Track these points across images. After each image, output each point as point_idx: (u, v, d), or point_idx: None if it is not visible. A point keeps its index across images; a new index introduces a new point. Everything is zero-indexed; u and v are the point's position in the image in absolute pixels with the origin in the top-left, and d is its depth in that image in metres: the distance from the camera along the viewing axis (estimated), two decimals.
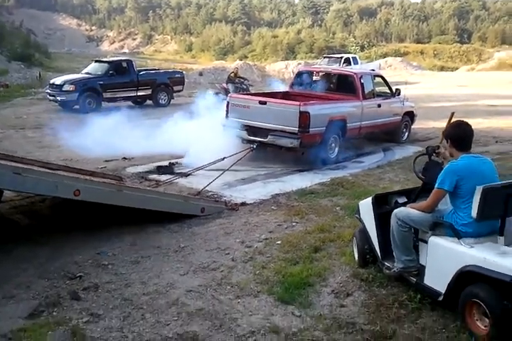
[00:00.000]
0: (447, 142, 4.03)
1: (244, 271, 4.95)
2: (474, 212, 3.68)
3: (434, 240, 3.95)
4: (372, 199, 4.62)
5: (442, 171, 3.88)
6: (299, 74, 11.67)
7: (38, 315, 4.09)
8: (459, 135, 3.99)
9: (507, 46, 68.87)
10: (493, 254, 3.53)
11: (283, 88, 13.86)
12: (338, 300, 4.31)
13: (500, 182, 3.85)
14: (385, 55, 58.38)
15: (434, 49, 68.52)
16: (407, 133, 12.30)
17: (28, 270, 4.95)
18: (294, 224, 6.32)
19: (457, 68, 54.35)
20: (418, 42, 77.27)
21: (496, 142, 12.20)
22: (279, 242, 5.63)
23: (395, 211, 4.20)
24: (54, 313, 4.11)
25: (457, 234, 3.79)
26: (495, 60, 53.56)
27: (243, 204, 7.23)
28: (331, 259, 5.14)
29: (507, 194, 3.61)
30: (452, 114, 4.68)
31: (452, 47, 68.19)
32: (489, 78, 35.50)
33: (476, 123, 14.78)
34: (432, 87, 28.77)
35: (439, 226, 3.96)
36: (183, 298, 4.36)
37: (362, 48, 67.37)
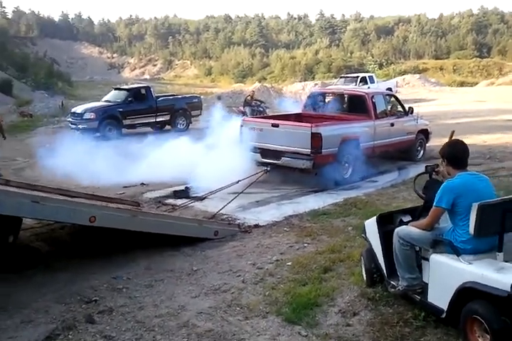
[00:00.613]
0: (444, 161, 4.15)
1: (254, 292, 5.06)
2: (472, 229, 3.77)
3: (435, 258, 4.03)
4: (377, 218, 4.73)
5: (439, 189, 3.98)
6: (311, 96, 11.87)
7: (54, 338, 4.25)
8: (454, 154, 4.11)
9: None
10: (491, 270, 3.60)
11: (295, 107, 13.99)
12: (344, 319, 4.39)
13: (496, 199, 3.93)
14: (403, 72, 58.32)
15: (454, 64, 68.29)
16: (422, 151, 12.33)
17: (47, 295, 5.13)
18: (305, 245, 6.42)
19: (477, 83, 54.06)
20: (437, 58, 77.15)
21: None
22: (289, 263, 5.74)
23: (397, 229, 4.30)
24: (70, 336, 4.27)
25: (456, 251, 3.87)
26: None
27: (256, 226, 7.36)
28: (339, 279, 5.22)
29: (503, 210, 3.69)
30: (452, 132, 4.80)
31: (472, 62, 67.84)
32: (509, 92, 35.20)
33: (494, 139, 14.88)
34: (449, 103, 28.71)
35: (440, 244, 4.04)
36: (194, 320, 4.49)
37: (380, 66, 67.42)
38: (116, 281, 5.44)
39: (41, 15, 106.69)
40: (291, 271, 5.50)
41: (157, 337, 4.22)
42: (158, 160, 10.58)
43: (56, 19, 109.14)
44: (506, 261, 3.73)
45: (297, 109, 12.50)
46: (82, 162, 10.41)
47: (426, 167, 4.62)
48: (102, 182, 9.71)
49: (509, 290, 3.35)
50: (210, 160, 9.64)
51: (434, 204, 4.01)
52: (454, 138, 4.63)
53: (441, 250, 4.03)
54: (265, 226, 7.34)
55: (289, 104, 16.75)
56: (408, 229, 4.24)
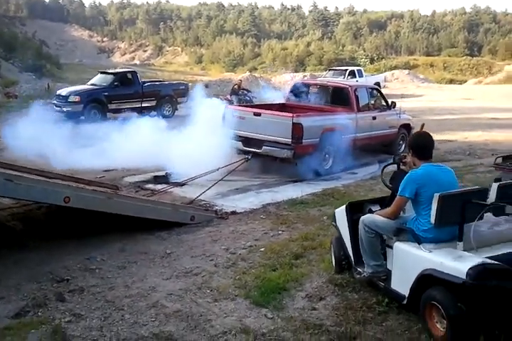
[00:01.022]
0: (410, 151, 4.26)
1: (225, 276, 5.15)
2: (433, 219, 3.88)
3: (398, 245, 4.14)
4: (347, 206, 4.82)
5: (403, 179, 4.09)
6: (295, 87, 11.89)
7: (24, 314, 4.33)
8: (420, 145, 4.23)
9: None
10: (449, 258, 3.71)
11: (278, 97, 13.96)
12: (310, 303, 4.50)
13: (456, 190, 4.04)
14: (394, 68, 58.36)
15: (444, 62, 68.57)
16: (404, 145, 12.43)
17: (20, 273, 5.18)
18: (280, 232, 6.53)
19: (466, 81, 54.41)
20: (428, 54, 77.45)
21: (492, 155, 12.28)
22: (262, 249, 5.84)
23: (362, 217, 4.40)
24: (39, 313, 4.35)
25: (418, 240, 3.99)
26: (503, 73, 53.56)
27: (233, 213, 7.45)
28: (310, 266, 5.33)
29: (463, 201, 3.80)
30: (422, 125, 4.91)
31: (462, 60, 68.16)
32: (496, 91, 35.55)
33: (476, 136, 15.09)
34: (436, 100, 28.93)
35: (403, 232, 4.16)
36: (163, 301, 4.57)
37: (371, 61, 67.53)
38: (90, 262, 5.51)
39: None
40: (263, 257, 5.60)
41: (125, 316, 4.30)
42: (139, 146, 10.55)
43: (46, 0, 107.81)
44: (465, 251, 3.84)
45: (281, 99, 12.54)
46: (64, 144, 10.39)
47: (394, 157, 4.74)
48: (82, 165, 9.68)
49: (464, 277, 3.47)
50: (190, 147, 9.64)
51: (398, 193, 4.13)
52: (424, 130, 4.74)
53: (404, 238, 4.15)
54: (242, 213, 7.43)
55: (270, 94, 16.71)
56: (373, 217, 4.35)
